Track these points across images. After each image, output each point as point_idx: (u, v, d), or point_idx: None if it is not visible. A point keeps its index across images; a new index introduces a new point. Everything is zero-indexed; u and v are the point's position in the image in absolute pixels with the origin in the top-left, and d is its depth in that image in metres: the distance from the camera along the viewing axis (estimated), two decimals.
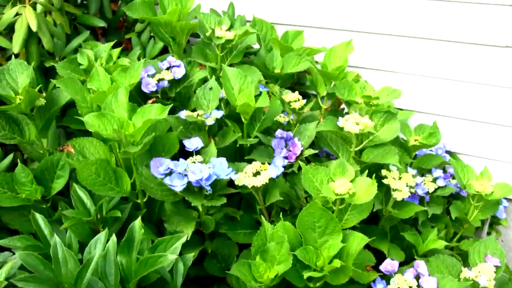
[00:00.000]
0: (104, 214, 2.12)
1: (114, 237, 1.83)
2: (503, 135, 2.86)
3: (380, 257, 2.21)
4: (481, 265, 2.16)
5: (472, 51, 2.83)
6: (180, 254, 1.94)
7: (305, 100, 2.44)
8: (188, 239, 2.00)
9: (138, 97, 2.52)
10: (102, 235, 1.88)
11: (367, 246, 2.24)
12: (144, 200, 2.22)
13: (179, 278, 1.94)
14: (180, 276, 1.94)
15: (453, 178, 2.73)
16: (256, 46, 3.08)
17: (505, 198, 2.87)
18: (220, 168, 2.10)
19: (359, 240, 2.00)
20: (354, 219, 2.13)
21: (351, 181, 2.07)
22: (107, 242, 1.83)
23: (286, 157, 2.29)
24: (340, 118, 2.29)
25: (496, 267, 2.19)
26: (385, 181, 2.29)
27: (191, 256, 2.00)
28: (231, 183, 2.14)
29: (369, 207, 2.13)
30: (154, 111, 2.06)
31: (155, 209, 2.28)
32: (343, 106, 2.93)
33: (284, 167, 2.25)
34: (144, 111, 2.08)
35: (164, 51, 3.07)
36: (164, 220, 2.16)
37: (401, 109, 2.99)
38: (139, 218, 1.87)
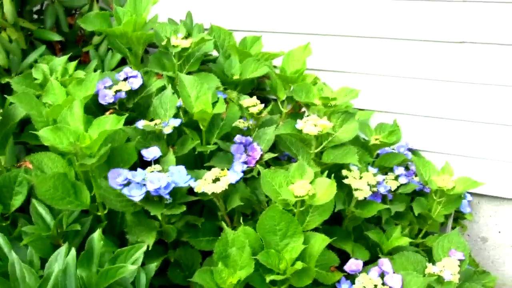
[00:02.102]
0: (65, 228, 2.10)
1: (73, 251, 1.80)
2: (462, 130, 2.88)
3: (346, 257, 2.21)
4: (445, 260, 2.18)
5: (429, 48, 2.85)
6: (143, 264, 1.92)
7: (263, 105, 2.44)
8: (150, 249, 1.99)
9: (97, 109, 2.50)
10: (62, 250, 1.85)
11: (331, 247, 2.25)
12: (105, 212, 2.19)
13: None
14: (142, 286, 1.92)
15: (416, 175, 2.74)
16: (215, 53, 3.08)
17: (469, 193, 2.89)
18: (179, 176, 2.09)
19: (320, 241, 2.01)
20: (316, 220, 2.13)
21: (311, 182, 2.07)
22: (67, 256, 1.82)
23: (245, 162, 2.29)
24: (298, 120, 2.30)
25: (460, 260, 2.20)
26: (346, 181, 2.29)
27: (153, 266, 1.98)
28: (192, 191, 2.13)
29: (330, 208, 2.13)
30: (110, 122, 2.05)
31: (116, 220, 2.26)
32: (304, 109, 2.94)
33: (244, 172, 2.25)
34: (100, 123, 2.07)
35: (123, 62, 3.05)
36: (126, 231, 2.13)
37: (361, 110, 3.00)
38: (98, 230, 1.86)
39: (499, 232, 3.01)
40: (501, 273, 3.04)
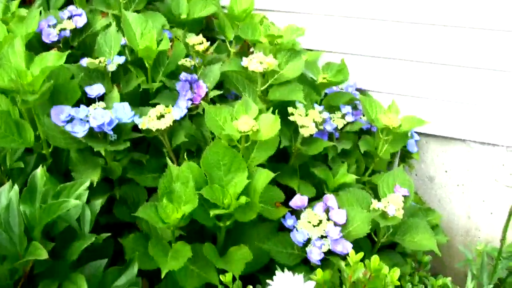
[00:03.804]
0: (8, 166, 2.08)
1: (16, 187, 1.80)
2: (409, 70, 2.90)
3: (292, 194, 2.22)
4: (390, 196, 2.20)
5: None
6: (89, 201, 1.92)
7: (209, 43, 2.44)
8: (94, 185, 1.98)
9: (41, 48, 2.47)
10: (5, 187, 1.83)
11: (278, 184, 2.26)
12: (50, 150, 2.17)
13: (86, 225, 1.92)
14: (87, 223, 1.92)
15: (364, 115, 2.76)
16: None
17: (417, 132, 2.93)
18: (123, 112, 2.08)
19: (265, 176, 2.02)
20: (261, 156, 2.14)
21: (255, 118, 2.07)
22: (10, 193, 1.80)
23: (191, 100, 2.28)
24: (244, 58, 2.30)
25: (405, 197, 2.23)
26: (291, 118, 2.30)
27: (99, 202, 1.98)
28: (137, 128, 2.13)
29: (275, 144, 2.14)
30: (52, 59, 2.03)
31: (62, 159, 2.24)
32: (252, 49, 2.93)
33: (190, 109, 2.25)
34: (42, 60, 2.05)
35: (69, 2, 3.01)
36: (71, 169, 2.12)
37: (310, 50, 3.00)
38: (41, 166, 1.85)
39: (446, 171, 3.05)
40: (448, 211, 3.10)
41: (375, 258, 1.74)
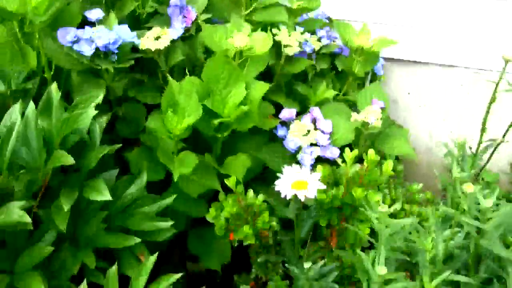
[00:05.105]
0: (14, 87, 2.17)
1: (32, 104, 1.88)
2: None
3: (278, 111, 2.38)
4: (368, 108, 2.37)
5: None
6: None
7: None
8: (100, 102, 2.10)
9: None
10: (16, 107, 1.89)
11: (265, 100, 2.41)
12: (51, 73, 2.28)
13: (97, 138, 2.03)
14: (97, 136, 2.03)
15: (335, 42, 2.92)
16: None
17: (383, 58, 3.10)
18: (125, 33, 2.20)
19: (260, 87, 2.17)
20: (252, 72, 2.28)
21: (248, 36, 2.22)
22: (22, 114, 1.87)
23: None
24: None
25: (382, 108, 2.41)
26: (277, 37, 2.44)
27: (104, 119, 2.10)
28: (134, 50, 2.26)
29: (265, 60, 2.30)
30: None
31: (61, 81, 2.33)
32: None
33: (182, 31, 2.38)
34: None
35: None
36: (73, 91, 2.23)
37: None
38: (55, 82, 1.97)
39: (409, 93, 3.24)
40: (412, 132, 3.27)
41: (371, 151, 1.92)
